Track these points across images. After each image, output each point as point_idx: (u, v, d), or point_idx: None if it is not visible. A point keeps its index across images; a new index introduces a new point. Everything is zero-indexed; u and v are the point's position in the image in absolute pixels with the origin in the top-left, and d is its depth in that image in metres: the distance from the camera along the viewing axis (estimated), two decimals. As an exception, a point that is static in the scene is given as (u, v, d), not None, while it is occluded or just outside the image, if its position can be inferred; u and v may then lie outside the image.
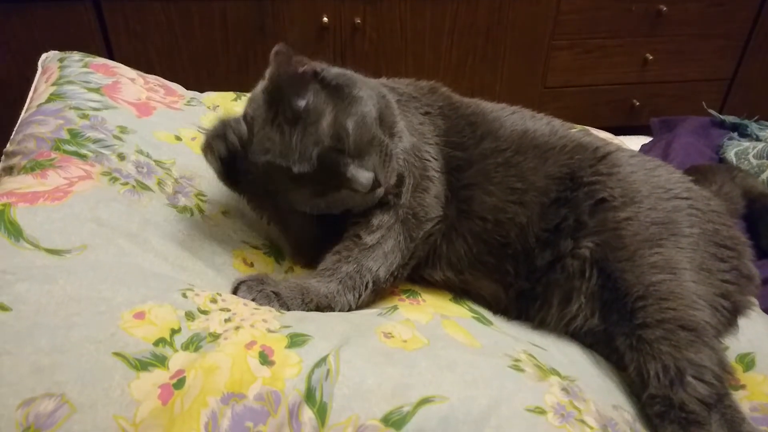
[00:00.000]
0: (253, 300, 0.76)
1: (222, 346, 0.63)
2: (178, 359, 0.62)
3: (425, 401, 0.61)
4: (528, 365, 0.73)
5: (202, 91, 1.24)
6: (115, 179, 0.85)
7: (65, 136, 0.88)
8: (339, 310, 0.81)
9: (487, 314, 0.90)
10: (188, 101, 1.15)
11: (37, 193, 0.75)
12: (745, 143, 1.46)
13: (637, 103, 2.52)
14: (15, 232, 0.68)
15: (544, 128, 0.96)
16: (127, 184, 0.86)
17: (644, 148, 1.55)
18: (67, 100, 0.95)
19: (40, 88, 1.01)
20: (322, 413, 0.59)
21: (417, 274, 0.93)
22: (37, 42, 1.93)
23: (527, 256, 0.89)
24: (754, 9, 2.40)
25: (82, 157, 0.86)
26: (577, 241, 0.86)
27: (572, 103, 2.46)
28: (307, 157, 0.76)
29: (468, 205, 0.90)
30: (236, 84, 1.33)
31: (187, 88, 1.22)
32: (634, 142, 1.56)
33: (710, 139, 1.56)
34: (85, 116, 0.93)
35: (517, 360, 0.73)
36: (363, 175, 0.77)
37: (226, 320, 0.69)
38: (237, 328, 0.67)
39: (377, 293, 0.85)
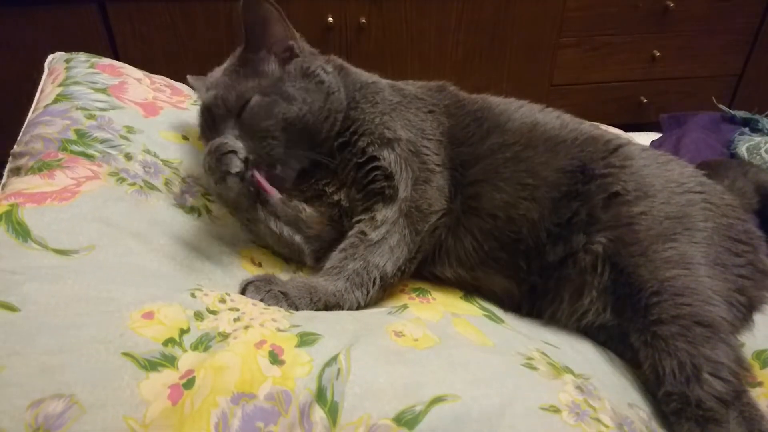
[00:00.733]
0: (261, 300, 0.76)
1: (231, 346, 0.63)
2: (187, 359, 0.61)
3: (438, 400, 0.60)
4: (541, 363, 0.72)
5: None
6: (123, 179, 0.85)
7: (72, 136, 0.88)
8: (348, 308, 0.80)
9: (498, 312, 0.89)
10: (194, 101, 1.14)
11: (45, 194, 0.75)
12: (757, 138, 1.45)
13: (645, 100, 2.50)
14: (23, 232, 0.68)
15: (553, 122, 0.95)
16: (134, 184, 0.86)
17: (654, 144, 1.53)
18: (73, 100, 0.95)
19: (47, 89, 1.01)
20: (333, 413, 0.58)
21: (427, 271, 0.92)
22: (43, 44, 1.92)
23: (539, 252, 0.88)
24: (762, 3, 2.39)
25: (89, 157, 0.86)
26: (589, 236, 0.85)
27: (579, 101, 2.45)
28: (217, 94, 0.87)
29: (477, 202, 0.89)
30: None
31: (193, 89, 1.21)
32: (642, 139, 1.54)
33: (721, 134, 1.54)
34: (91, 116, 0.92)
35: (530, 358, 0.72)
36: (230, 142, 0.83)
37: (235, 320, 0.68)
38: (246, 327, 0.66)
39: (385, 289, 0.85)
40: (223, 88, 0.88)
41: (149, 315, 0.64)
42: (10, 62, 1.98)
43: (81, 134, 0.89)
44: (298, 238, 0.91)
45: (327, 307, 0.79)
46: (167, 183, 0.90)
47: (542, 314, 0.89)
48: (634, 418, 0.70)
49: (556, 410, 0.64)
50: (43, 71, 1.10)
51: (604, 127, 1.11)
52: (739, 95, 2.56)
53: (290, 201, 0.91)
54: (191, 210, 0.89)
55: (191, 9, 2.01)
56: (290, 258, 0.94)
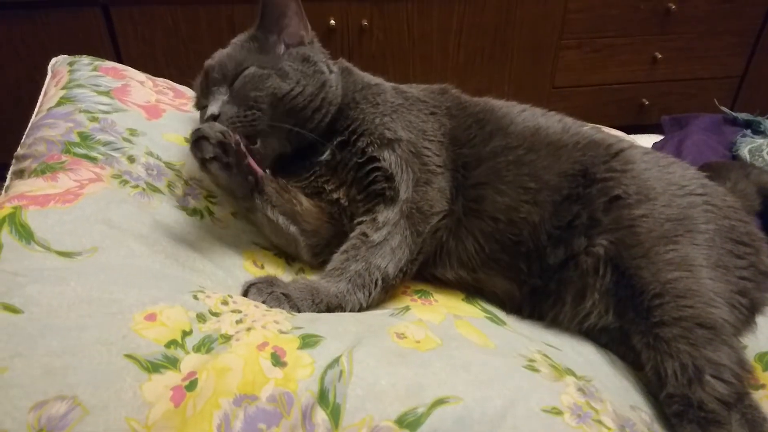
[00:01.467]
0: (263, 302, 0.76)
1: (234, 348, 0.63)
2: (189, 361, 0.61)
3: (440, 402, 0.60)
4: (543, 365, 0.72)
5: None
6: (125, 182, 0.85)
7: (75, 139, 0.88)
8: (350, 310, 0.80)
9: (500, 314, 0.89)
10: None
11: (48, 196, 0.75)
12: (759, 140, 1.45)
13: (647, 102, 2.50)
14: (26, 234, 0.68)
15: (556, 125, 0.95)
16: (137, 186, 0.86)
17: (656, 146, 1.53)
18: (77, 103, 0.95)
19: (50, 92, 1.02)
20: (335, 414, 0.58)
21: (429, 273, 0.92)
22: (47, 47, 1.94)
23: (540, 254, 0.88)
24: (764, 5, 2.38)
25: (92, 159, 0.86)
26: (591, 239, 0.85)
27: (581, 103, 2.45)
28: (218, 60, 0.91)
29: (479, 205, 0.89)
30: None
31: (196, 92, 1.22)
32: (644, 141, 1.54)
33: (723, 136, 1.54)
34: (94, 119, 0.93)
35: (531, 360, 0.72)
36: (211, 108, 0.86)
37: (238, 321, 0.68)
38: (249, 329, 0.66)
39: (387, 290, 0.85)
40: (225, 57, 0.91)
41: (152, 317, 0.64)
42: (14, 65, 1.99)
43: (84, 137, 0.89)
44: (293, 229, 0.91)
45: (329, 309, 0.79)
46: (170, 185, 0.91)
47: (544, 317, 0.90)
48: (636, 421, 0.70)
49: (558, 412, 0.64)
50: (46, 74, 1.11)
51: (606, 129, 1.11)
52: (741, 97, 2.55)
53: (286, 194, 0.91)
54: (194, 212, 0.90)
55: (194, 12, 2.01)
56: (287, 251, 0.94)
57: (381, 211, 0.86)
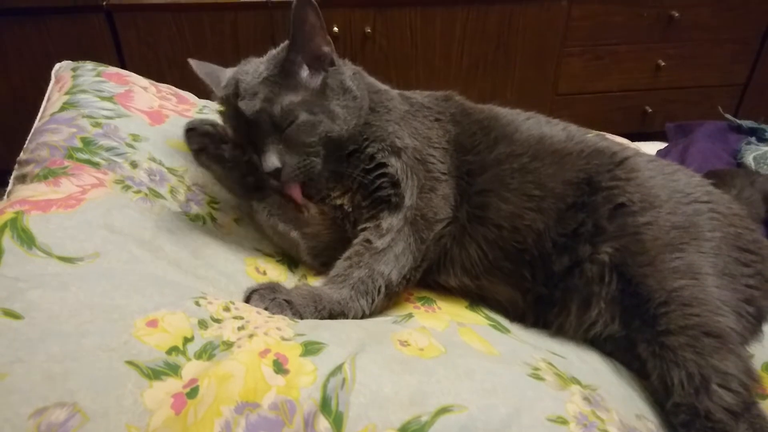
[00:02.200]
0: (265, 309, 0.76)
1: (235, 354, 0.62)
2: (191, 368, 0.61)
3: (444, 410, 0.60)
4: (548, 374, 0.71)
5: (213, 100, 1.24)
6: (128, 187, 0.85)
7: (78, 144, 0.88)
8: (353, 317, 0.80)
9: (503, 322, 0.89)
10: (200, 109, 1.15)
11: (50, 201, 0.75)
12: (764, 147, 1.44)
13: (650, 110, 2.50)
14: (28, 239, 0.68)
15: (560, 133, 0.94)
16: (139, 191, 0.86)
17: (660, 154, 1.53)
18: (80, 108, 0.95)
19: (54, 97, 1.02)
20: (338, 422, 0.57)
21: (432, 280, 0.92)
22: (51, 52, 1.96)
23: (545, 262, 0.87)
24: (767, 12, 2.38)
25: (95, 164, 0.86)
26: (595, 246, 0.85)
27: (584, 110, 2.44)
28: (261, 107, 0.84)
29: (483, 212, 0.89)
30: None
31: (199, 97, 1.22)
32: (648, 148, 1.53)
33: (727, 143, 1.53)
34: (97, 124, 0.93)
35: (536, 368, 0.72)
36: (271, 161, 0.83)
37: (240, 328, 0.68)
38: (250, 336, 0.66)
39: (390, 297, 0.84)
40: (266, 101, 0.84)
41: (153, 323, 0.63)
42: (17, 70, 2.00)
43: (87, 142, 0.89)
44: (294, 234, 0.91)
45: (332, 316, 0.78)
46: (172, 191, 0.90)
47: (549, 326, 0.89)
48: (642, 430, 0.69)
49: (563, 421, 0.63)
50: (50, 79, 1.11)
51: (610, 137, 1.11)
52: (745, 104, 2.55)
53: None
54: (196, 218, 0.89)
55: (197, 18, 2.02)
56: (289, 253, 0.94)
57: (385, 217, 0.86)
